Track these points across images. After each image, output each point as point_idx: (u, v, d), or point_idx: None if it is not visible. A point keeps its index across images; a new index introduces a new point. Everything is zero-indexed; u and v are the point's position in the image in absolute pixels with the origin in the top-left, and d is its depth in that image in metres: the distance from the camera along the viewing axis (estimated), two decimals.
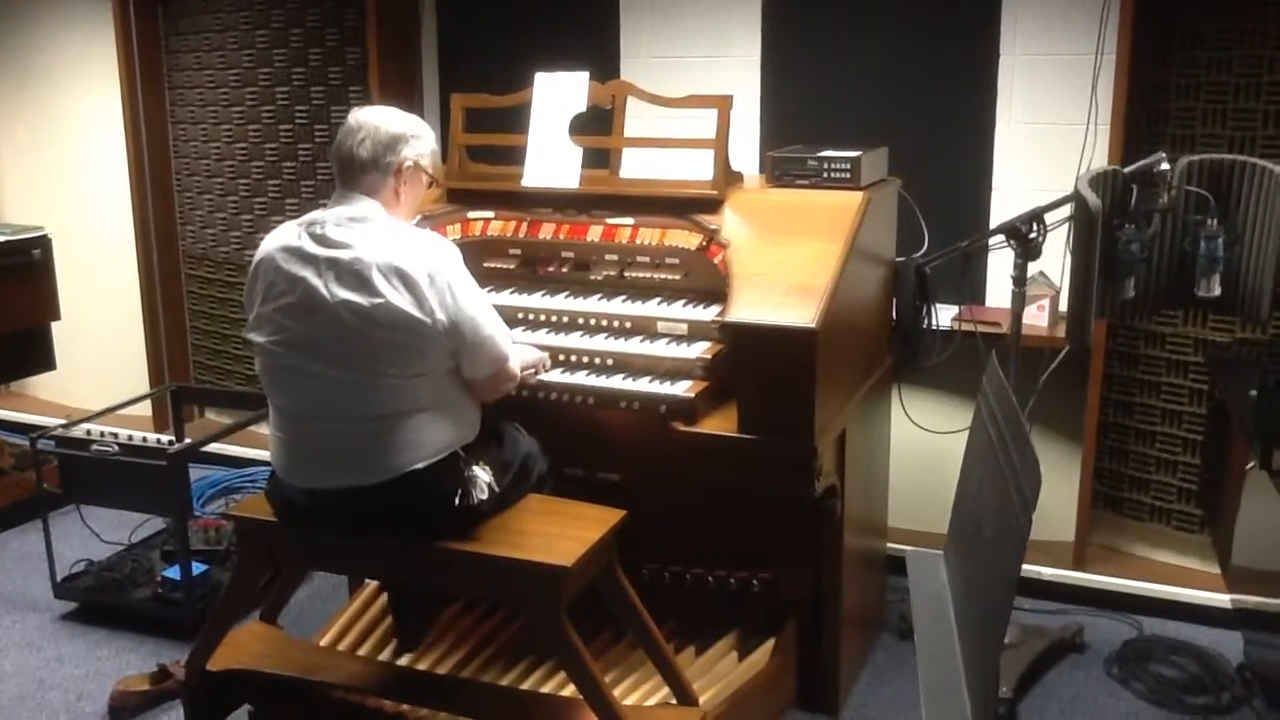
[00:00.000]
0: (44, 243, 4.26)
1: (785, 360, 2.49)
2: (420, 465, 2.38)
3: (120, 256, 4.84)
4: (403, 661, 2.86)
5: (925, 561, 2.13)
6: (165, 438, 3.62)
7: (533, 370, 2.70)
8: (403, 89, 4.17)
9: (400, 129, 2.48)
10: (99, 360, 5.00)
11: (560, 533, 2.44)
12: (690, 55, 3.85)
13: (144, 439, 3.54)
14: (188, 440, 3.55)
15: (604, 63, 3.87)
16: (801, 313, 2.50)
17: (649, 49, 3.92)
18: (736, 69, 3.79)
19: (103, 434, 3.50)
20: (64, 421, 3.78)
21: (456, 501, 2.41)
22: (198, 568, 3.43)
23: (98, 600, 3.53)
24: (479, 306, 2.40)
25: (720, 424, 2.61)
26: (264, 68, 4.40)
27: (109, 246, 4.90)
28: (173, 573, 3.42)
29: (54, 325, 4.37)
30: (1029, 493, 1.46)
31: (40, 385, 5.24)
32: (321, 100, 4.31)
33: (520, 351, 2.65)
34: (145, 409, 4.60)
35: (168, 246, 4.82)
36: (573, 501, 2.60)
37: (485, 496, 2.45)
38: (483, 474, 2.46)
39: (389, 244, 2.34)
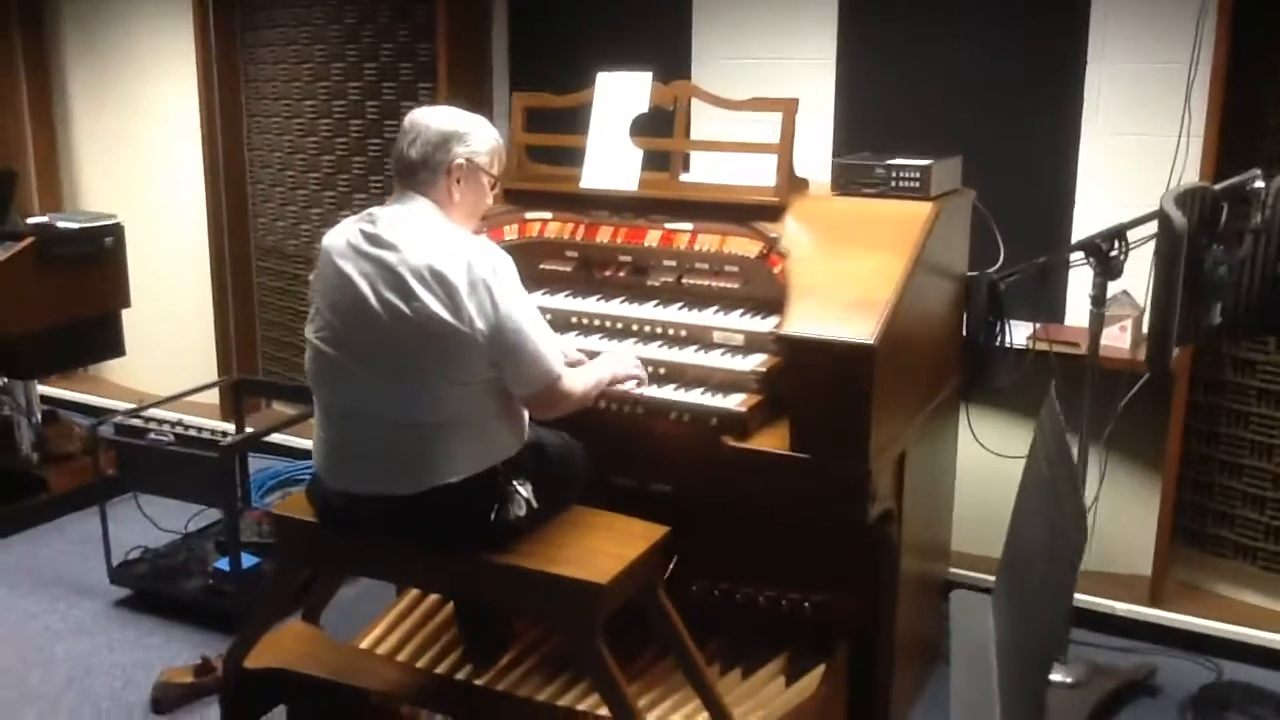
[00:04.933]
0: (117, 230, 4.31)
1: (841, 377, 2.38)
2: (455, 479, 2.29)
3: (192, 247, 4.90)
4: (440, 670, 2.81)
5: (970, 602, 2.00)
6: (226, 427, 3.63)
7: (633, 382, 2.60)
8: (472, 86, 4.13)
9: (451, 127, 2.39)
10: (169, 349, 5.07)
11: (599, 548, 2.36)
12: (764, 57, 3.75)
13: (199, 430, 3.55)
14: (241, 433, 3.55)
15: (675, 64, 3.78)
16: (860, 328, 2.39)
17: (722, 50, 3.83)
18: (811, 71, 3.67)
19: (161, 423, 3.52)
20: (128, 407, 3.80)
21: (492, 517, 2.33)
22: (249, 560, 3.43)
23: (151, 588, 3.55)
24: (525, 318, 2.29)
25: (772, 440, 2.51)
26: (336, 63, 4.40)
27: (182, 236, 4.96)
28: (224, 564, 3.42)
29: (124, 312, 4.42)
30: (1074, 542, 1.34)
31: (114, 369, 5.33)
32: (392, 96, 4.30)
33: (611, 363, 2.58)
34: (214, 397, 4.65)
35: (239, 238, 4.86)
36: (616, 515, 2.52)
37: (523, 513, 2.36)
38: (522, 489, 2.37)
39: (433, 247, 2.26)
